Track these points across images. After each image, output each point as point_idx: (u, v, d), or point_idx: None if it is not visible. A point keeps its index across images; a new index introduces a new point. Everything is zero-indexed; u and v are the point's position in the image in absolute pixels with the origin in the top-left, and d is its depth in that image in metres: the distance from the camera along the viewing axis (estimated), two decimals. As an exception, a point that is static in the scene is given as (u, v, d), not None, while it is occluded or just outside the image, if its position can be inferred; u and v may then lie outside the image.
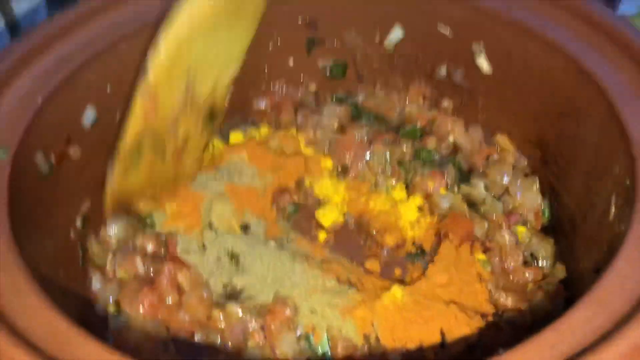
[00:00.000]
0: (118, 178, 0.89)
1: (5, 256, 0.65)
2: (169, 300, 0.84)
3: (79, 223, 0.91)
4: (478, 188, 0.99)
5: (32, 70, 0.86)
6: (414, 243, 0.98)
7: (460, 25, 1.01)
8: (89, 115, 0.91)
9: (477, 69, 1.03)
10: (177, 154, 0.94)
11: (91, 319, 0.87)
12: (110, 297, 0.88)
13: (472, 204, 0.98)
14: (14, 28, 1.22)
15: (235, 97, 1.12)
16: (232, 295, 0.87)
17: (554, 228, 0.97)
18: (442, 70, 1.07)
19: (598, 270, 0.78)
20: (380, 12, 1.06)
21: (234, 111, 1.14)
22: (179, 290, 0.87)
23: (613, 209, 0.78)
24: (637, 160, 0.74)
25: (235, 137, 1.09)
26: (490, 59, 1.01)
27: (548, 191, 0.99)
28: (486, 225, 0.96)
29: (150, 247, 0.91)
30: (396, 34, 1.06)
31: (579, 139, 0.90)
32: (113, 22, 0.94)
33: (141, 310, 0.83)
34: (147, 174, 0.91)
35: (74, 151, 0.89)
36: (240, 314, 0.83)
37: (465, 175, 1.03)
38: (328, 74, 1.14)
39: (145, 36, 0.95)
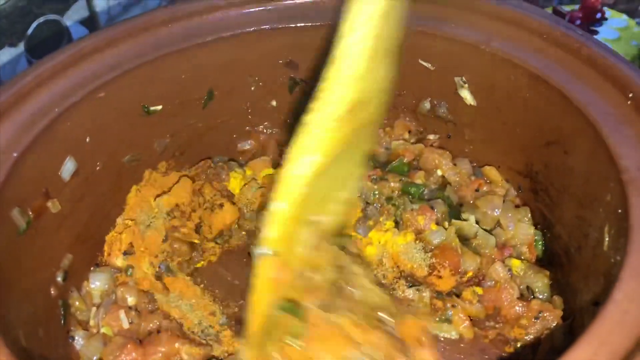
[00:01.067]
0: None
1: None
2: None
3: (59, 278, 0.88)
4: (469, 222, 0.97)
5: (7, 124, 0.84)
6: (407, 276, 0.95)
7: (441, 58, 1.00)
8: (68, 167, 0.89)
9: (461, 101, 1.02)
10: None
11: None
12: (94, 356, 0.84)
13: (464, 239, 0.96)
14: (-6, 81, 1.21)
15: (220, 139, 1.11)
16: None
17: (549, 260, 0.95)
18: (426, 104, 1.06)
19: (597, 303, 0.76)
20: (360, 49, 1.05)
21: (220, 153, 1.13)
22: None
23: (607, 239, 0.76)
24: (628, 187, 0.73)
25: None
26: (474, 91, 1.00)
27: (540, 222, 0.97)
28: (479, 260, 0.94)
29: (131, 300, 0.88)
30: (378, 70, 1.06)
31: (567, 167, 0.89)
32: (91, 71, 0.93)
33: (125, 368, 0.80)
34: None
35: (53, 204, 0.87)
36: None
37: (455, 209, 1.01)
38: (312, 112, 1.12)
39: (124, 84, 0.95)
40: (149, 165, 1.04)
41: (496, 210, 0.98)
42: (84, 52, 0.94)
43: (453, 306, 0.89)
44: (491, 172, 1.03)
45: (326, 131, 0.65)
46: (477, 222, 0.98)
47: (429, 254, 0.95)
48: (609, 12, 1.51)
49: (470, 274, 0.93)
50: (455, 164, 1.05)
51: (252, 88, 1.08)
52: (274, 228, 0.66)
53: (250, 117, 1.12)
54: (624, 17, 1.51)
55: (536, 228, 0.97)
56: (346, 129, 0.66)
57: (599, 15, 1.50)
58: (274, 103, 1.11)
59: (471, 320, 0.89)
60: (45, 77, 0.90)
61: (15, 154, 0.80)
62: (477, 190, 1.02)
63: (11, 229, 0.78)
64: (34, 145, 0.83)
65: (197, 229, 1.02)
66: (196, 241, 1.00)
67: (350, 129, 0.67)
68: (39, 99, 0.87)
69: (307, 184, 0.66)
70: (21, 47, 1.26)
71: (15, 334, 0.69)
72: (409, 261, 0.95)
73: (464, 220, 0.98)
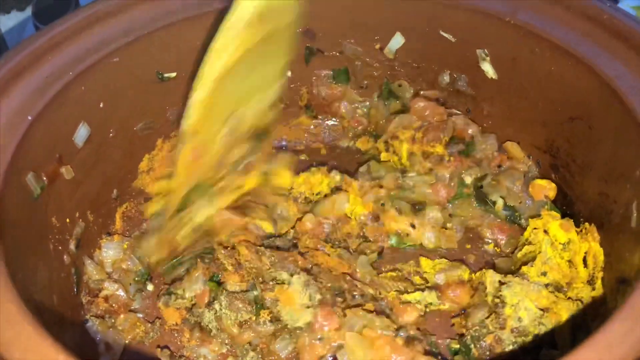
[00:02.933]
0: (171, 228, 0.85)
1: (-3, 284, 0.61)
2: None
3: (72, 246, 0.86)
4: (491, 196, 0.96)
5: (21, 87, 0.81)
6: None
7: (463, 30, 0.98)
8: (81, 133, 0.87)
9: (481, 75, 1.00)
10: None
11: (86, 348, 0.83)
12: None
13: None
14: (0, 44, 1.19)
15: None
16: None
17: (567, 237, 0.94)
18: (445, 77, 1.04)
19: (623, 281, 0.74)
20: (379, 20, 1.03)
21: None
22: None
23: (635, 215, 0.75)
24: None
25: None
26: (496, 64, 0.98)
27: (560, 199, 0.96)
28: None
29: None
30: (397, 40, 1.03)
31: (592, 143, 0.87)
32: (105, 35, 0.90)
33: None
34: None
35: (67, 171, 0.85)
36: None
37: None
38: (330, 82, 1.11)
39: (139, 49, 0.92)
40: (162, 134, 1.02)
41: (516, 185, 0.96)
42: (98, 16, 0.92)
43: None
44: (513, 147, 1.01)
45: (239, 34, 0.72)
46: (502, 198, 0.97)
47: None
48: (624, -9, 1.48)
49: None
50: (475, 139, 1.04)
51: (267, 57, 1.06)
52: (195, 113, 0.75)
53: (264, 87, 1.10)
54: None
55: (555, 205, 0.95)
56: (258, 34, 0.74)
57: (614, -6, 1.48)
58: (288, 74, 1.09)
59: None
60: (59, 40, 0.88)
61: (30, 117, 0.78)
62: (499, 166, 1.00)
63: (26, 193, 0.76)
64: (48, 109, 0.80)
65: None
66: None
67: (262, 35, 0.75)
68: (52, 62, 0.85)
69: (221, 77, 0.74)
70: (28, 11, 1.23)
71: (33, 299, 0.68)
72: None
73: (492, 202, 0.97)
